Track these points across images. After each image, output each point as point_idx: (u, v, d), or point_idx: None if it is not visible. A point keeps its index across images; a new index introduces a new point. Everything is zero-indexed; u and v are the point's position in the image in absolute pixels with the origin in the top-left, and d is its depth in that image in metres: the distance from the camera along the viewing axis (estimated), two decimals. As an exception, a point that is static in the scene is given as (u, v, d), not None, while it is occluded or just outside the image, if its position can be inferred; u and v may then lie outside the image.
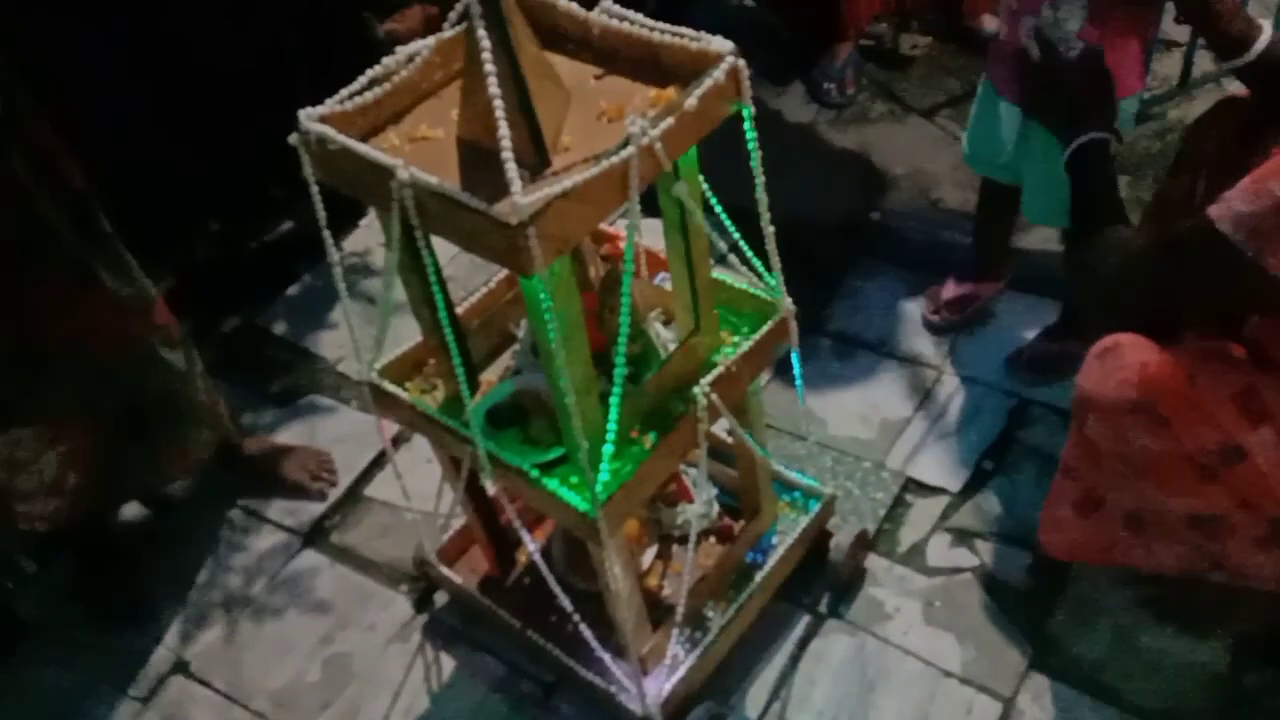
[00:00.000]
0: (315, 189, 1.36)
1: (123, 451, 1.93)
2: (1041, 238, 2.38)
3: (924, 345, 2.29)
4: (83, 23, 2.17)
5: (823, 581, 1.89)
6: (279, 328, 2.56)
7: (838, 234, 2.53)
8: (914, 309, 2.35)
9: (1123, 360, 1.46)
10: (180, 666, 1.97)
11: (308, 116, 1.28)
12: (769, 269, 1.53)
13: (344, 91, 1.32)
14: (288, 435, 2.32)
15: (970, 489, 2.03)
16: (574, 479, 1.47)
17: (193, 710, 1.90)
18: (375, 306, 1.58)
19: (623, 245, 1.53)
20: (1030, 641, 1.80)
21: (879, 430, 2.15)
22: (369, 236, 2.70)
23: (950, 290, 2.30)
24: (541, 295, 1.21)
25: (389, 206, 1.24)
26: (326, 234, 1.41)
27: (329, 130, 1.26)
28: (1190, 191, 1.64)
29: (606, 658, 1.66)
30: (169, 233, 2.57)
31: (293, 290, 2.64)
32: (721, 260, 1.51)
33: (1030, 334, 2.23)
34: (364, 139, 1.30)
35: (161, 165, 2.37)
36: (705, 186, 1.42)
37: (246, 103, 2.39)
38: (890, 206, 2.61)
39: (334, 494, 2.20)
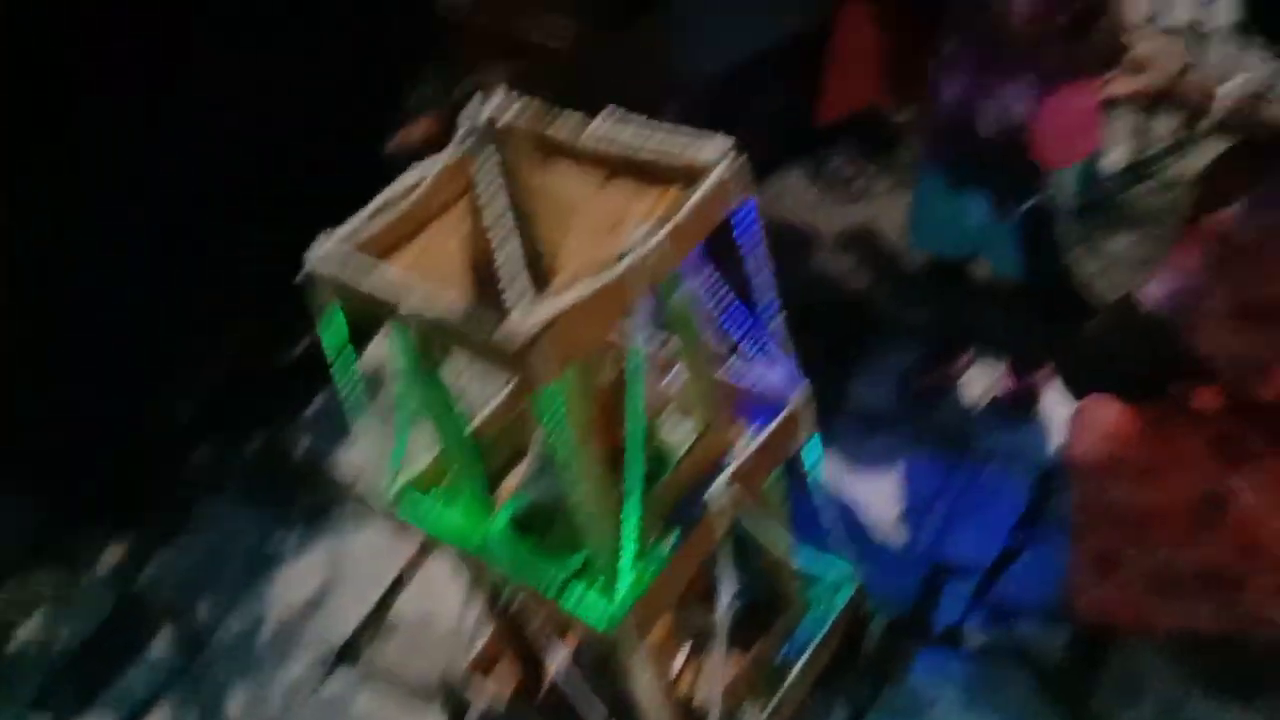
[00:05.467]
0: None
1: None
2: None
3: (944, 418, 2.28)
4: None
5: (859, 671, 1.85)
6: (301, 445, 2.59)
7: (852, 309, 2.54)
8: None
9: (1090, 419, 1.53)
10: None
11: (326, 238, 1.32)
12: (777, 359, 1.52)
13: (361, 213, 1.36)
14: (315, 550, 2.33)
15: (1001, 564, 1.99)
16: (600, 583, 1.45)
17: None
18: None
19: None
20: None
21: (906, 509, 2.12)
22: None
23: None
24: (547, 412, 1.22)
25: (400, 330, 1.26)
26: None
27: (338, 258, 1.30)
28: None
29: (645, 766, 1.63)
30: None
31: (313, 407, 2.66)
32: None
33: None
34: (382, 256, 1.34)
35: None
36: (715, 277, 1.43)
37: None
38: (902, 280, 2.61)
39: (363, 610, 2.19)
